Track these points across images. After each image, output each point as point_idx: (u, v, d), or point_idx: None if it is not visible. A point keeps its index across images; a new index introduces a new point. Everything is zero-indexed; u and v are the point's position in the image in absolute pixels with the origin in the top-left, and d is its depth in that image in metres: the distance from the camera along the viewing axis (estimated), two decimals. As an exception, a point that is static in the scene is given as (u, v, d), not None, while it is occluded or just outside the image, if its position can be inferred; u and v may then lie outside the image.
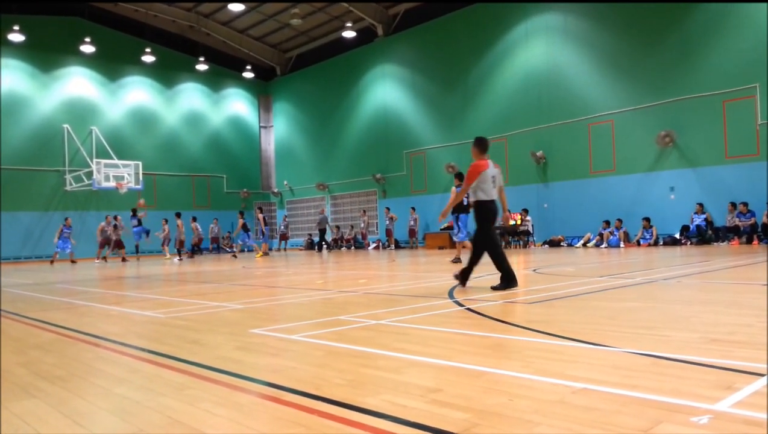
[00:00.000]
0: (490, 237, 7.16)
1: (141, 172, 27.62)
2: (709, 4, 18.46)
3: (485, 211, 7.18)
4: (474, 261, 7.26)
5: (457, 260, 12.87)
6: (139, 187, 27.53)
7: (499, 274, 7.03)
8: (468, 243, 12.57)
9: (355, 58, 30.37)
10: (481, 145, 7.41)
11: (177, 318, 5.67)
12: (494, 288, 6.88)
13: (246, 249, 25.24)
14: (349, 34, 28.13)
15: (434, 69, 26.58)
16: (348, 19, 28.74)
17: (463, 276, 7.38)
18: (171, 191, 31.19)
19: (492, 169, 7.25)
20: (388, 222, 26.73)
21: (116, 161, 27.18)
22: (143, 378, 3.31)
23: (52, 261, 23.67)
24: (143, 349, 4.17)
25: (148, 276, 13.20)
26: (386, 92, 28.78)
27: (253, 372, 3.28)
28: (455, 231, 13.11)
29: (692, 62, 18.79)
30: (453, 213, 12.75)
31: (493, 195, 7.21)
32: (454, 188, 12.75)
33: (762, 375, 2.74)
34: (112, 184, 26.45)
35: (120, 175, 26.82)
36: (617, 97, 20.54)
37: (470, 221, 12.49)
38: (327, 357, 3.65)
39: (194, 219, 25.95)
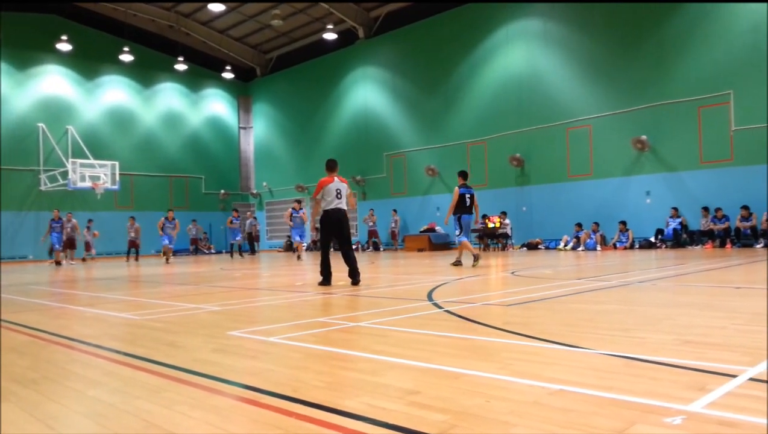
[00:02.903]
0: (323, 241, 9.11)
1: (118, 172, 27.30)
2: (686, 10, 18.76)
3: (324, 218, 8.91)
4: (324, 264, 8.82)
5: (458, 262, 12.37)
6: (115, 187, 27.20)
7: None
8: (468, 244, 12.34)
9: (335, 60, 30.34)
10: (328, 165, 9.16)
11: (153, 320, 5.60)
12: (319, 284, 8.76)
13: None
14: (330, 36, 28.08)
15: (415, 72, 26.66)
16: (329, 20, 28.70)
17: (324, 280, 8.75)
18: (148, 192, 30.86)
19: (337, 184, 8.92)
20: (371, 223, 26.71)
21: (92, 161, 26.85)
22: (118, 381, 3.26)
23: (62, 262, 22.08)
24: (118, 352, 4.12)
25: (123, 278, 13.03)
26: (367, 94, 28.78)
27: (231, 375, 3.25)
28: (456, 232, 12.46)
29: (669, 68, 19.09)
30: (454, 214, 12.24)
31: (335, 205, 8.84)
32: (456, 188, 12.24)
33: (734, 376, 2.79)
34: (88, 184, 26.09)
35: (96, 175, 26.48)
36: (595, 102, 20.79)
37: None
38: (305, 359, 3.63)
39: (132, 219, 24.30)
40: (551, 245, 21.26)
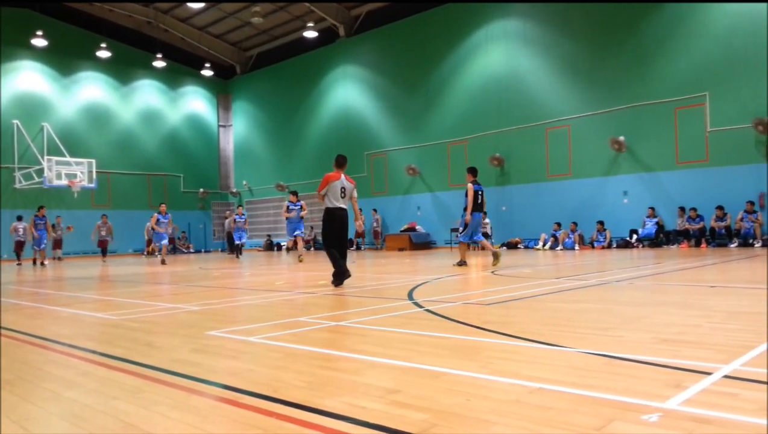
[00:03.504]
0: (326, 238, 8.52)
1: (95, 170, 26.96)
2: (663, 12, 18.99)
3: (328, 216, 8.44)
4: (334, 262, 8.36)
5: (462, 263, 11.87)
6: (92, 185, 26.83)
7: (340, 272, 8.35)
8: (464, 247, 12.06)
9: (316, 59, 30.24)
10: (337, 160, 8.72)
11: (131, 320, 5.54)
12: (334, 284, 8.24)
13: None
14: (310, 34, 27.97)
15: (396, 71, 26.68)
16: (310, 19, 28.60)
17: (336, 278, 8.29)
18: (126, 190, 30.48)
19: (342, 182, 8.49)
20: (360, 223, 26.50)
21: (68, 159, 26.46)
22: (95, 382, 3.22)
23: (37, 261, 20.48)
24: (95, 352, 4.06)
25: (100, 278, 12.86)
26: (348, 93, 28.74)
27: (210, 375, 3.23)
28: (460, 229, 12.01)
29: (646, 70, 19.32)
30: (464, 210, 11.78)
31: (339, 204, 8.43)
32: (470, 185, 11.77)
33: (709, 373, 2.84)
34: (64, 182, 25.72)
35: (72, 172, 26.10)
36: (574, 102, 20.98)
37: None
38: (286, 359, 3.62)
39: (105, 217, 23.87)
40: (530, 244, 21.42)
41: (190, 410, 2.59)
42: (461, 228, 12.00)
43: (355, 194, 8.82)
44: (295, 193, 17.41)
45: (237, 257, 21.07)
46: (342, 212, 8.46)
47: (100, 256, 23.69)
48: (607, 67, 20.18)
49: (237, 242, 21.41)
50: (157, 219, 18.29)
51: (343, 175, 8.57)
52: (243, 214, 21.21)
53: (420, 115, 25.69)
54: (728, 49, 17.71)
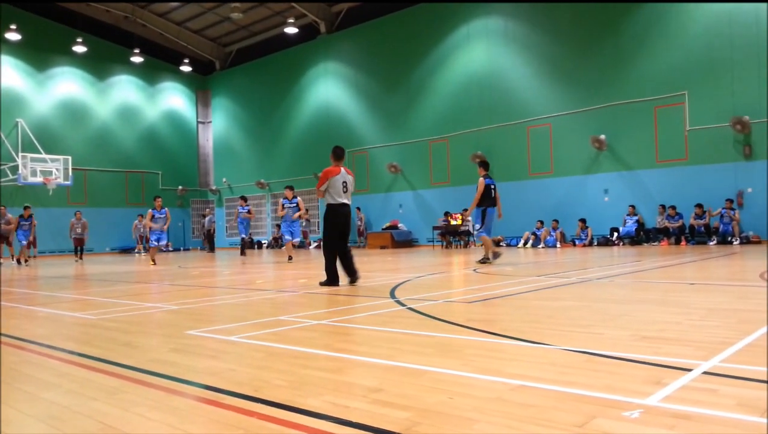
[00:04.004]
0: (327, 237, 8.05)
1: (71, 167, 26.56)
2: (643, 11, 19.18)
3: (331, 213, 7.97)
4: (329, 265, 7.96)
5: (485, 260, 11.63)
6: (68, 182, 26.44)
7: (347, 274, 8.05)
8: (488, 240, 11.68)
9: (297, 55, 30.08)
10: (335, 153, 8.16)
11: (108, 320, 5.46)
12: (321, 284, 7.93)
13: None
14: (291, 30, 27.83)
15: (377, 68, 26.64)
16: (290, 14, 28.44)
17: (329, 279, 7.89)
18: (103, 187, 30.06)
19: (344, 176, 8.00)
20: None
21: (44, 155, 26.05)
22: (72, 383, 3.16)
23: (20, 260, 19.67)
24: (72, 352, 3.99)
25: (77, 277, 12.68)
26: (328, 90, 28.64)
27: (190, 375, 3.19)
28: (477, 226, 11.76)
29: (626, 69, 19.52)
30: (479, 206, 11.55)
31: (342, 199, 7.96)
32: (481, 178, 11.52)
33: (689, 370, 2.87)
34: (39, 179, 25.32)
35: (48, 169, 25.71)
36: (555, 100, 21.12)
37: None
38: (267, 358, 3.59)
39: (78, 213, 23.46)
40: (512, 242, 21.54)
41: (169, 410, 2.56)
42: (477, 225, 11.84)
43: (353, 189, 8.31)
44: (291, 188, 15.63)
45: (242, 254, 19.46)
46: (346, 208, 8.01)
47: (75, 255, 23.24)
48: (587, 66, 20.35)
49: (243, 237, 19.76)
50: (153, 216, 16.19)
51: (343, 168, 8.07)
52: (246, 206, 19.46)
53: (401, 112, 25.69)
54: (707, 49, 17.95)
